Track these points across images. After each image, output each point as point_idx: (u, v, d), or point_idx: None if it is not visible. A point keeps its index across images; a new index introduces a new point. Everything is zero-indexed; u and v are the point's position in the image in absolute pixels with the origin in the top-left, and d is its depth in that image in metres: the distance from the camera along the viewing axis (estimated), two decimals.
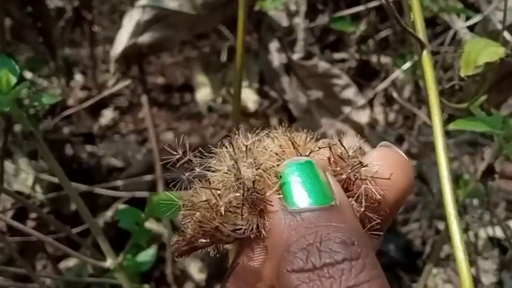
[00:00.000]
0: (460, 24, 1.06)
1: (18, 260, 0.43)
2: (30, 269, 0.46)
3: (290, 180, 0.24)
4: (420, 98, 1.00)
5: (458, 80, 0.51)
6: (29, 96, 0.47)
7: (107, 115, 1.31)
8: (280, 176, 0.24)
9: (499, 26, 0.63)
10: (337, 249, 0.21)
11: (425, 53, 0.43)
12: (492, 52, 0.43)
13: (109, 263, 0.49)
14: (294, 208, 0.23)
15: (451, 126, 0.47)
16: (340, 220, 0.22)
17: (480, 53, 0.43)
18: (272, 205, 0.24)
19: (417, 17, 0.45)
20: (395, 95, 0.94)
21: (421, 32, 0.44)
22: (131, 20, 0.78)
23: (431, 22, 1.14)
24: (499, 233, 0.79)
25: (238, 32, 0.30)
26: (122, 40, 0.79)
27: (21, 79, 0.43)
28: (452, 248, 0.37)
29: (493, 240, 0.80)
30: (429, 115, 0.67)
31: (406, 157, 0.26)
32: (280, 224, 0.23)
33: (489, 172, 0.59)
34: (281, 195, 0.24)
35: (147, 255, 0.56)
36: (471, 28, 0.91)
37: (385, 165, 0.25)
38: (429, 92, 0.44)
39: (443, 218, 0.80)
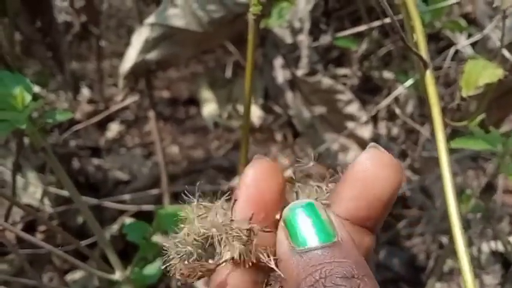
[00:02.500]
0: (462, 41, 1.07)
1: (30, 272, 0.44)
2: (40, 280, 0.47)
3: (295, 222, 0.26)
4: (423, 113, 1.01)
5: (460, 99, 0.53)
6: (39, 111, 0.48)
7: (114, 129, 1.33)
8: (285, 219, 0.27)
9: (499, 44, 0.64)
10: (339, 282, 0.24)
11: (428, 72, 0.45)
12: (492, 73, 0.44)
13: (118, 275, 0.50)
14: (301, 248, 0.25)
15: (452, 145, 0.49)
16: (343, 256, 0.25)
17: (480, 74, 0.45)
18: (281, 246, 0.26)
19: (420, 36, 0.47)
20: (398, 111, 0.95)
21: (423, 52, 0.46)
22: (139, 37, 0.80)
23: (434, 37, 1.16)
24: (501, 247, 0.79)
25: (248, 55, 0.32)
26: (131, 57, 0.80)
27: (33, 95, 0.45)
28: (457, 260, 0.38)
29: (495, 255, 0.81)
30: (432, 131, 0.68)
31: (393, 156, 0.28)
32: (290, 264, 0.25)
33: (490, 187, 0.60)
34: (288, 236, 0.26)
35: (154, 268, 0.57)
36: (474, 44, 0.93)
37: (376, 165, 0.27)
38: (432, 108, 0.45)
39: (447, 232, 0.80)
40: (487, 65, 0.45)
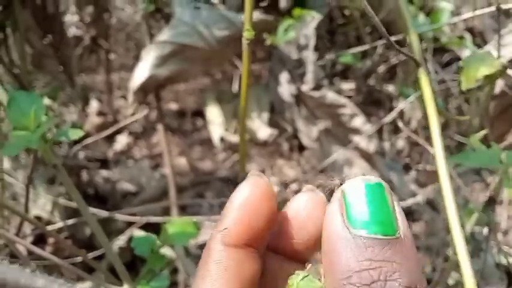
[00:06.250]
0: (466, 54, 1.08)
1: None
2: None
3: (357, 200, 0.22)
4: (428, 126, 1.02)
5: (460, 93, 0.54)
6: (51, 128, 0.50)
7: (122, 140, 1.34)
8: (344, 191, 0.23)
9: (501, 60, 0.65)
10: None
11: (421, 70, 0.46)
12: (490, 65, 0.45)
13: (125, 287, 0.51)
14: (358, 231, 0.21)
15: (452, 160, 0.49)
16: (405, 257, 0.21)
17: (478, 67, 0.45)
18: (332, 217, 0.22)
19: (413, 37, 0.49)
20: (401, 125, 0.96)
21: (416, 53, 0.47)
22: (149, 54, 0.82)
23: (440, 50, 1.17)
24: (505, 260, 0.80)
25: (243, 75, 0.33)
26: (141, 73, 0.82)
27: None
28: (461, 276, 0.39)
29: (499, 267, 0.81)
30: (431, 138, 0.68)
31: (321, 194, 0.27)
32: (340, 245, 0.22)
33: (493, 200, 0.61)
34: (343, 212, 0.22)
35: (161, 279, 0.58)
36: None
37: (313, 208, 0.27)
38: (428, 108, 0.46)
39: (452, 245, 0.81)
40: (484, 57, 0.46)
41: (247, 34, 0.33)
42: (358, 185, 0.23)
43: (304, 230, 0.27)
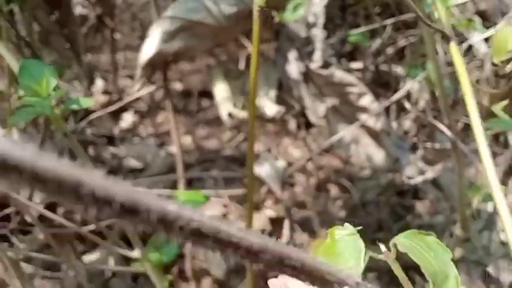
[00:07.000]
0: (476, 37, 1.08)
1: (55, 247, 0.46)
2: (65, 256, 0.49)
3: None
4: (435, 107, 1.02)
5: (492, 65, 0.54)
6: (62, 99, 0.50)
7: (127, 118, 1.35)
8: None
9: None
10: None
11: (452, 44, 0.46)
12: None
13: (136, 252, 0.52)
14: None
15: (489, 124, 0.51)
16: None
17: (510, 39, 0.46)
18: None
19: (442, 13, 0.49)
20: (408, 105, 0.96)
21: (446, 28, 0.48)
22: (158, 29, 0.82)
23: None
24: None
25: (253, 46, 0.33)
26: (149, 48, 0.82)
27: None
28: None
29: (506, 245, 0.82)
30: (448, 119, 0.68)
31: None
32: None
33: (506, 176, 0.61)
34: None
35: (170, 247, 0.59)
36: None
37: None
38: (461, 78, 0.47)
39: (457, 222, 0.81)
40: None
41: (260, 1, 0.33)
42: None
43: None
